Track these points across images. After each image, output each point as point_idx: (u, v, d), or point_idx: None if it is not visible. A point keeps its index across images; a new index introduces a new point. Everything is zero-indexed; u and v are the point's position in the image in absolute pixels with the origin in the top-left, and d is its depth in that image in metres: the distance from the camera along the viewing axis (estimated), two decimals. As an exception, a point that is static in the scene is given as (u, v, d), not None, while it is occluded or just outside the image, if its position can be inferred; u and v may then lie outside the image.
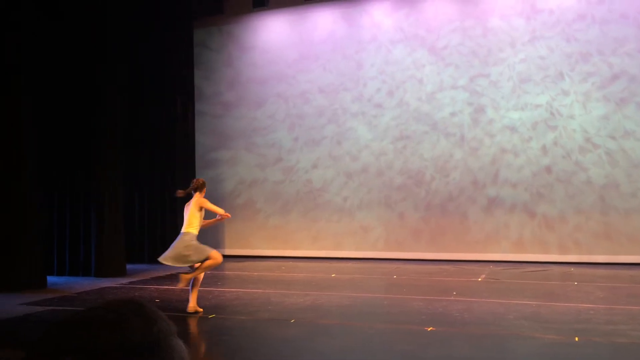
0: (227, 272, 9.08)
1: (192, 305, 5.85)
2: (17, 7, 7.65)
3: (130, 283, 8.18)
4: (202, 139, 11.12)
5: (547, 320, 5.42)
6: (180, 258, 5.74)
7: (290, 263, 9.89)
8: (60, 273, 8.89)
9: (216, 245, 11.41)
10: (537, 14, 9.43)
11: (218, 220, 6.00)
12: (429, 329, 5.13)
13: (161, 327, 0.74)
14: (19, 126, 7.70)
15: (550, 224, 9.34)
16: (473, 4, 9.82)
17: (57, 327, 0.74)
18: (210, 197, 10.08)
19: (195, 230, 5.83)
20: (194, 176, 10.69)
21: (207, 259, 5.73)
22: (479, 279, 7.92)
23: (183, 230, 5.86)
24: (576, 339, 4.76)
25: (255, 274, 8.78)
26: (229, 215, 6.04)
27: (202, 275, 5.95)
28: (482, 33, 9.72)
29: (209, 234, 10.77)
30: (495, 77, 9.66)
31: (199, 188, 5.96)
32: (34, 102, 7.93)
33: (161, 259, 5.78)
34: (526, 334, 4.95)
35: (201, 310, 5.89)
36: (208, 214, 6.01)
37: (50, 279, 8.26)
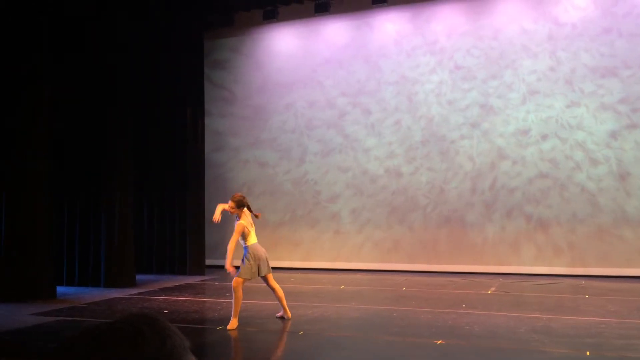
0: (235, 283, 9.06)
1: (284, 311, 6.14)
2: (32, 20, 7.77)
3: (139, 294, 8.19)
4: (212, 147, 11.18)
5: (558, 334, 5.37)
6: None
7: (299, 274, 9.87)
8: (69, 283, 8.92)
9: (224, 256, 11.44)
10: (560, 27, 9.35)
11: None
12: (438, 342, 5.09)
13: (175, 342, 0.75)
14: (32, 139, 7.78)
15: (559, 235, 9.28)
16: (493, 17, 9.81)
17: (73, 341, 0.75)
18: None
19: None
20: (203, 186, 10.73)
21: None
22: (489, 292, 7.86)
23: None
24: (587, 353, 4.70)
25: (264, 285, 8.74)
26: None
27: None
28: (500, 44, 9.68)
29: (220, 244, 10.80)
30: (511, 87, 9.64)
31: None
32: (47, 114, 8.01)
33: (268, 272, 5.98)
34: (537, 347, 4.90)
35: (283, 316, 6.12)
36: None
37: (60, 289, 8.29)
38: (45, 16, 7.86)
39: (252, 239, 5.95)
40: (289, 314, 6.15)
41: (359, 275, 9.61)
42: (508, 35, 9.66)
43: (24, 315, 6.58)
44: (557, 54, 9.39)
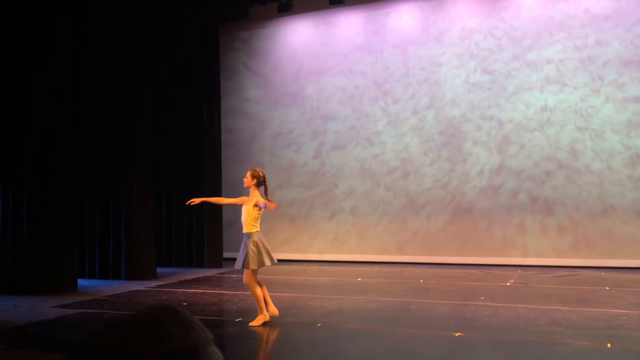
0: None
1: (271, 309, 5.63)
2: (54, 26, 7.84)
3: (159, 286, 8.28)
4: (229, 142, 11.23)
5: (578, 326, 5.32)
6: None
7: (315, 267, 9.90)
8: (90, 276, 9.05)
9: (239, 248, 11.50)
10: (592, 20, 9.16)
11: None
12: (456, 335, 5.07)
13: (199, 334, 0.75)
14: (52, 133, 7.87)
15: (578, 227, 9.17)
16: (522, 8, 9.68)
17: (98, 332, 0.76)
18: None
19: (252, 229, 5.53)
20: (220, 180, 10.79)
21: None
22: (508, 284, 7.81)
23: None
24: (608, 345, 4.65)
25: (280, 277, 8.80)
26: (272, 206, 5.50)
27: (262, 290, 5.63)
28: (527, 31, 9.56)
29: (235, 237, 10.86)
30: (534, 73, 9.54)
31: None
32: (69, 108, 8.11)
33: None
34: (557, 340, 4.86)
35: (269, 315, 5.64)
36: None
37: (81, 281, 8.41)
38: (65, 10, 7.93)
39: (258, 226, 5.57)
40: (276, 311, 5.62)
41: (375, 268, 9.61)
42: (536, 22, 9.48)
43: (46, 307, 6.70)
44: (586, 41, 9.19)
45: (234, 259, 5.91)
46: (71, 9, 8.07)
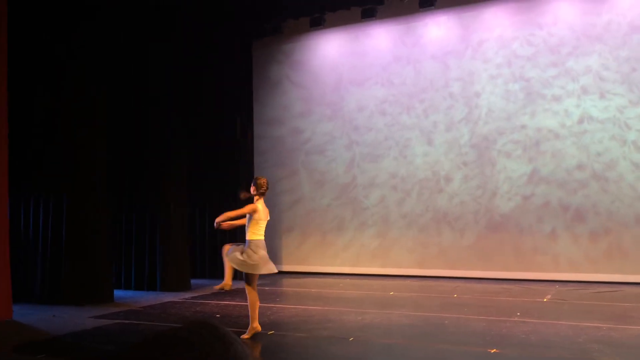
0: (285, 289, 9.13)
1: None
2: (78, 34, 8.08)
3: (193, 298, 8.37)
4: (261, 156, 11.33)
5: (619, 344, 5.14)
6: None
7: (348, 280, 9.85)
8: (126, 287, 9.21)
9: (273, 261, 11.55)
10: (634, 30, 8.88)
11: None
12: (492, 351, 4.97)
13: (237, 349, 0.76)
14: (90, 148, 8.08)
15: (617, 242, 8.90)
16: (561, 15, 9.56)
17: (136, 344, 0.77)
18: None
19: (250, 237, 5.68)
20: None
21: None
22: (545, 300, 7.62)
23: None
24: (653, 365, 4.49)
25: (313, 290, 8.79)
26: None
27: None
28: (566, 43, 9.42)
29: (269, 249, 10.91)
30: (571, 83, 9.37)
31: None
32: (105, 122, 8.31)
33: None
34: (598, 358, 4.71)
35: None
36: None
37: (117, 292, 8.57)
38: (88, 21, 8.09)
39: (260, 234, 5.69)
40: (259, 327, 5.65)
41: (408, 281, 9.51)
42: (575, 30, 9.29)
43: (84, 318, 6.84)
44: (627, 52, 8.95)
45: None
46: (94, 19, 8.14)
